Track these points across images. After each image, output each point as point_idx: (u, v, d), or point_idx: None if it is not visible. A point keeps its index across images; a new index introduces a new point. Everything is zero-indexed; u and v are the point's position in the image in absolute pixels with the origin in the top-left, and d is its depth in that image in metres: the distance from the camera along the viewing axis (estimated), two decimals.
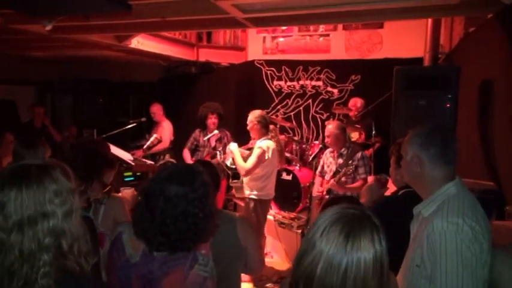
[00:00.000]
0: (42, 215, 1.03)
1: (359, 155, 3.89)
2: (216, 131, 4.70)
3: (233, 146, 3.90)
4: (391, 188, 2.41)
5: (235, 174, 4.08)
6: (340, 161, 3.96)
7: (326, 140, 4.07)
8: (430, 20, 4.70)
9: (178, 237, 1.36)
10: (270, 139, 3.87)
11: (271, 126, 4.09)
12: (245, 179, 3.91)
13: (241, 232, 1.79)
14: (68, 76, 7.60)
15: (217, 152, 4.41)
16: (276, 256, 4.71)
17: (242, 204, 4.28)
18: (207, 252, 1.48)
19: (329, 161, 4.12)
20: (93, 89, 7.33)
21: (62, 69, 7.66)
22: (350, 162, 3.84)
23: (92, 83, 7.34)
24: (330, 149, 4.15)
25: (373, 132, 4.98)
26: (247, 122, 3.91)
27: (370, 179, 3.73)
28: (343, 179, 3.81)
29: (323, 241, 0.96)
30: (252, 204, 3.88)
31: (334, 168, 3.99)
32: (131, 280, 1.41)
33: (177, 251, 1.38)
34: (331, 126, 4.00)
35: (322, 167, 4.19)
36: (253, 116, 3.88)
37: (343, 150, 3.98)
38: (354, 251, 0.93)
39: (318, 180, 4.21)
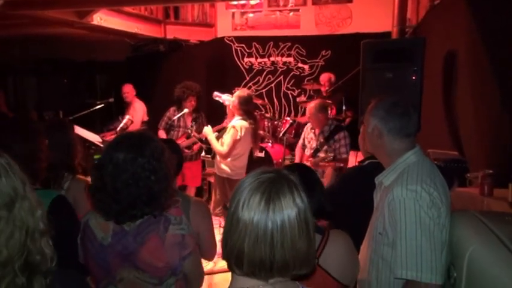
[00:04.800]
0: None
1: (341, 134, 3.91)
2: (186, 110, 4.60)
3: (208, 130, 3.83)
4: (359, 157, 2.43)
5: (209, 149, 4.04)
6: (322, 139, 3.96)
7: (307, 118, 4.03)
8: None
9: (131, 202, 1.35)
10: (244, 119, 3.75)
11: (258, 115, 3.94)
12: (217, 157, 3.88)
13: (194, 216, 1.70)
14: (30, 56, 7.24)
15: (189, 129, 4.31)
16: None
17: (212, 180, 4.26)
18: (178, 213, 1.48)
19: (310, 136, 4.11)
20: (57, 69, 7.04)
21: (24, 49, 7.28)
22: (331, 142, 3.86)
23: (56, 63, 7.04)
24: (310, 125, 4.13)
25: (344, 108, 5.02)
26: (232, 97, 3.78)
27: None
28: (320, 163, 3.83)
29: (245, 214, 0.92)
30: (221, 181, 3.88)
31: (314, 145, 3.99)
32: (109, 262, 1.41)
33: (137, 218, 1.38)
34: (311, 107, 3.93)
35: (304, 139, 4.19)
36: (239, 92, 3.76)
37: (325, 128, 3.98)
38: (277, 213, 0.90)
39: (298, 152, 4.20)
